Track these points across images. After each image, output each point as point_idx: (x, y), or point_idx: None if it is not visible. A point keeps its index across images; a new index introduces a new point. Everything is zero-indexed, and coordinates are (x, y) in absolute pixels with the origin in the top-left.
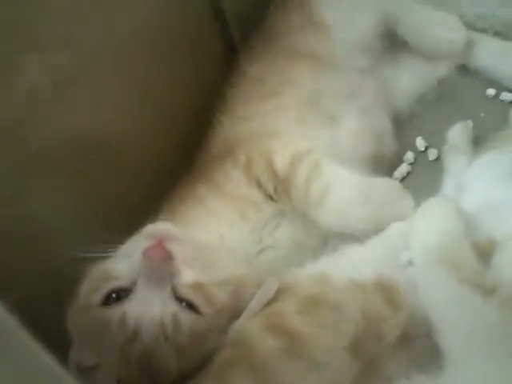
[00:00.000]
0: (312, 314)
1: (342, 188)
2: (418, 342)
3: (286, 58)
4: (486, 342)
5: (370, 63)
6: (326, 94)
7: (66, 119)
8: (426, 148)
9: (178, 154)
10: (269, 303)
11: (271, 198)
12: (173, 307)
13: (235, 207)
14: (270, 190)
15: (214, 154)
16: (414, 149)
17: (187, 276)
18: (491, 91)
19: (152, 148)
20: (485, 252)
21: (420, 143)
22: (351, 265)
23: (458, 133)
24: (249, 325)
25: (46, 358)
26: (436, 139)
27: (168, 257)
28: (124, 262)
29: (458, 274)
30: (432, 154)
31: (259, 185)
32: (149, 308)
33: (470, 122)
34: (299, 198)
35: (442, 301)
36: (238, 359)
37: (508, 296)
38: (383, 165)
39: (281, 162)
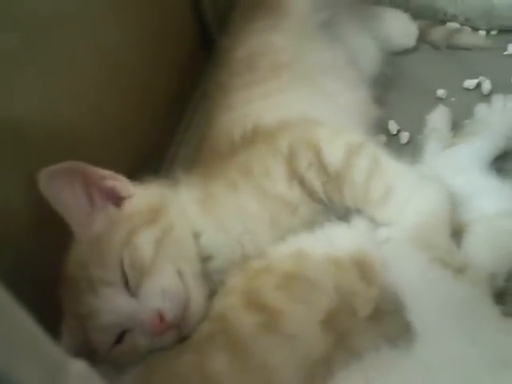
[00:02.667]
0: (288, 289)
1: (404, 186)
2: (389, 318)
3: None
4: (455, 319)
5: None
6: (316, 68)
7: (14, 106)
8: (398, 131)
9: (146, 143)
10: (248, 280)
11: (314, 198)
12: None
13: (268, 208)
14: (317, 186)
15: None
16: (386, 132)
17: None
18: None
19: (117, 139)
20: (456, 232)
21: (392, 127)
22: (329, 240)
23: (437, 117)
24: (227, 300)
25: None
26: (408, 123)
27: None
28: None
29: (429, 254)
30: (404, 137)
31: (302, 182)
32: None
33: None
34: (356, 195)
35: (413, 279)
36: (217, 333)
37: (476, 275)
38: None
39: (333, 154)
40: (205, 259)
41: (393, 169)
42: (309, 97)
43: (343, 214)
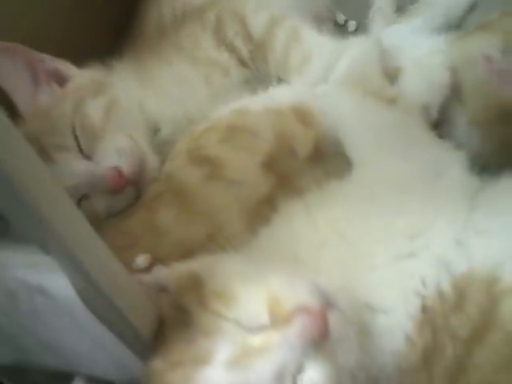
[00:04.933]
0: (229, 141)
1: (321, 55)
2: (330, 158)
3: None
4: (390, 142)
5: None
6: None
7: None
8: (346, 21)
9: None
10: (192, 140)
11: (243, 63)
12: None
13: (201, 72)
14: (245, 54)
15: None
16: (334, 23)
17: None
18: None
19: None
20: (392, 76)
21: (340, 17)
22: (270, 97)
23: None
24: (175, 161)
25: None
26: (354, 13)
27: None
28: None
29: (363, 89)
30: (351, 25)
31: (231, 49)
32: None
33: None
34: (277, 63)
35: (348, 113)
36: (164, 191)
37: (410, 105)
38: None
39: (256, 24)
40: (153, 132)
41: (312, 39)
42: None
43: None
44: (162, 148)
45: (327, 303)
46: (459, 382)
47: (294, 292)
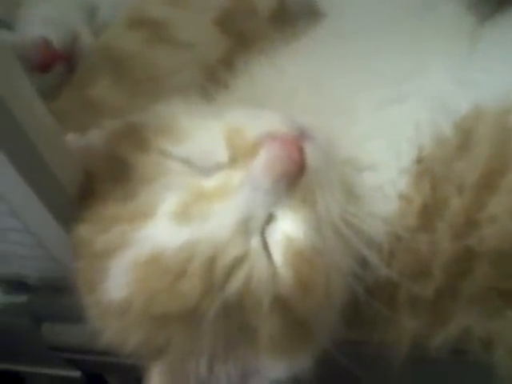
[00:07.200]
0: (177, 1)
1: None
2: (298, 21)
3: None
4: None
5: None
6: None
7: None
8: None
9: None
10: (134, 7)
11: None
12: None
13: None
14: None
15: None
16: None
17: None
18: None
19: None
20: None
21: None
22: None
23: None
24: (111, 30)
25: None
26: None
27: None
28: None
29: None
30: None
31: None
32: None
33: None
34: None
35: None
36: (98, 61)
37: None
38: None
39: None
40: (91, 11)
41: None
42: None
43: None
44: (101, 32)
45: (303, 133)
46: (470, 238)
47: (260, 120)
